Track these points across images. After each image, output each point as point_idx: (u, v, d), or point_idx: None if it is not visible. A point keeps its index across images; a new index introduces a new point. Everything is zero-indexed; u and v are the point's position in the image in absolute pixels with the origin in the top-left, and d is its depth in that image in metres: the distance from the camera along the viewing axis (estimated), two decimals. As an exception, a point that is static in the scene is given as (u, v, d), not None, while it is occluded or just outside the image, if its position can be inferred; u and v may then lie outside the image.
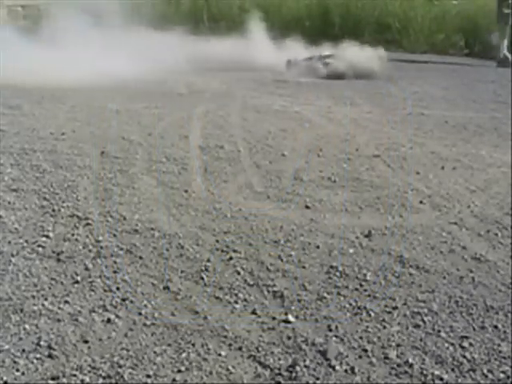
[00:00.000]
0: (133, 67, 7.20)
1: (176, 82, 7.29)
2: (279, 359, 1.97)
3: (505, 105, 6.08)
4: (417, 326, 2.17)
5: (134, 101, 6.23)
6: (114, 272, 2.56)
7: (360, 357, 1.99)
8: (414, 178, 3.81)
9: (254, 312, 2.26)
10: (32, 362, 1.95)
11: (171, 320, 2.20)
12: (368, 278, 2.52)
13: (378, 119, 5.46)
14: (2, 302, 2.31)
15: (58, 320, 2.19)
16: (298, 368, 1.92)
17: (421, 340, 2.08)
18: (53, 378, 1.88)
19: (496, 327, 2.16)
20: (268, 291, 2.41)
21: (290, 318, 2.21)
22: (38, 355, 1.99)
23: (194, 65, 8.08)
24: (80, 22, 7.74)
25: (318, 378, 1.88)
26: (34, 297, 2.35)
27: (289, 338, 2.10)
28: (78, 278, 2.50)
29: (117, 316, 2.22)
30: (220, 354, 2.00)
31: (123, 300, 2.33)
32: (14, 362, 1.95)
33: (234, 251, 2.77)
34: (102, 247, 2.80)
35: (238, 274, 2.55)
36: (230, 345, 2.05)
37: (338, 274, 2.56)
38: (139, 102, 6.19)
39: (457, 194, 3.52)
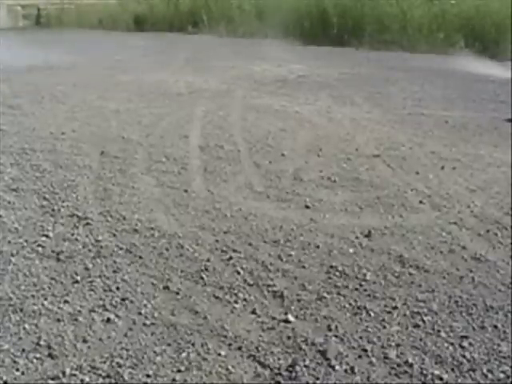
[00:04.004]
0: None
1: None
2: (279, 359, 1.97)
3: (505, 105, 6.08)
4: (417, 326, 2.16)
5: (134, 101, 6.23)
6: (114, 272, 2.56)
7: (360, 357, 1.99)
8: (413, 178, 3.81)
9: (253, 312, 2.26)
10: (32, 362, 1.95)
11: (171, 320, 2.20)
12: (368, 278, 2.52)
13: (378, 119, 5.46)
14: (1, 301, 2.31)
15: (58, 320, 2.19)
16: (297, 368, 1.92)
17: (421, 340, 2.08)
18: (53, 378, 1.88)
19: (496, 327, 2.16)
20: (268, 291, 2.41)
21: (290, 317, 2.21)
22: (38, 355, 1.99)
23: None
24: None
25: (317, 378, 1.88)
26: (33, 296, 2.35)
27: (289, 337, 2.09)
28: (78, 278, 2.50)
29: (117, 316, 2.22)
30: (220, 354, 2.00)
31: (123, 300, 2.33)
32: (14, 362, 1.95)
33: (234, 251, 2.77)
34: (101, 247, 2.80)
35: (238, 273, 2.55)
36: (230, 345, 2.05)
37: (337, 274, 2.56)
38: (139, 101, 6.19)
39: (457, 194, 3.52)
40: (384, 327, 2.16)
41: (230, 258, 2.70)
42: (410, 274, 2.56)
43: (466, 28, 10.39)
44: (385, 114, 5.66)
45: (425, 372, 1.90)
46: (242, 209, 3.29)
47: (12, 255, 2.71)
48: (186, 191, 3.56)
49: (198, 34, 13.27)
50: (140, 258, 2.69)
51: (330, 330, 2.14)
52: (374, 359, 1.97)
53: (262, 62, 8.96)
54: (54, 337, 2.08)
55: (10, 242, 2.85)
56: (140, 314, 2.24)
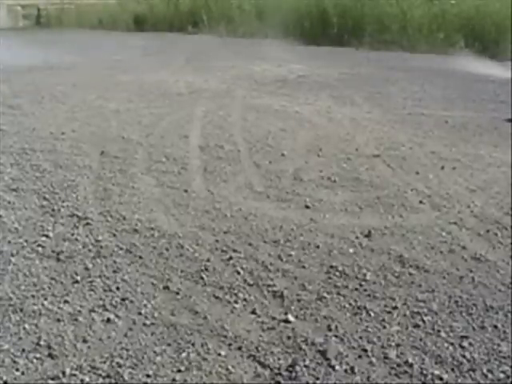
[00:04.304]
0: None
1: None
2: (279, 359, 1.97)
3: (505, 105, 6.08)
4: (417, 326, 2.16)
5: (134, 101, 6.23)
6: (114, 272, 2.56)
7: (360, 357, 1.99)
8: (413, 178, 3.81)
9: (254, 312, 2.26)
10: (32, 362, 1.95)
11: (171, 320, 2.20)
12: (368, 278, 2.52)
13: (378, 119, 5.46)
14: (1, 301, 2.31)
15: (58, 320, 2.19)
16: (297, 368, 1.92)
17: (421, 340, 2.08)
18: (53, 378, 1.88)
19: (496, 327, 2.16)
20: (268, 291, 2.41)
21: (290, 317, 2.21)
22: (38, 355, 1.99)
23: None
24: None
25: (317, 378, 1.88)
26: (33, 296, 2.35)
27: (289, 337, 2.09)
28: (78, 278, 2.50)
29: (116, 316, 2.22)
30: (220, 354, 2.00)
31: (123, 300, 2.33)
32: (14, 362, 1.95)
33: (234, 251, 2.77)
34: (101, 247, 2.80)
35: (238, 273, 2.55)
36: (230, 344, 2.05)
37: (337, 274, 2.56)
38: (139, 101, 6.19)
39: (457, 194, 3.52)
40: (384, 327, 2.16)
41: (230, 258, 2.70)
42: (410, 273, 2.56)
43: (465, 28, 10.38)
44: (385, 114, 5.66)
45: (425, 372, 1.90)
46: (241, 209, 3.29)
47: (12, 255, 2.71)
48: (186, 191, 3.56)
49: (197, 34, 13.27)
50: (140, 258, 2.69)
51: (330, 330, 2.14)
52: (374, 359, 1.97)
53: (262, 62, 8.96)
54: (54, 337, 2.08)
55: (10, 242, 2.85)
56: (140, 313, 2.24)
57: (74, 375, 1.89)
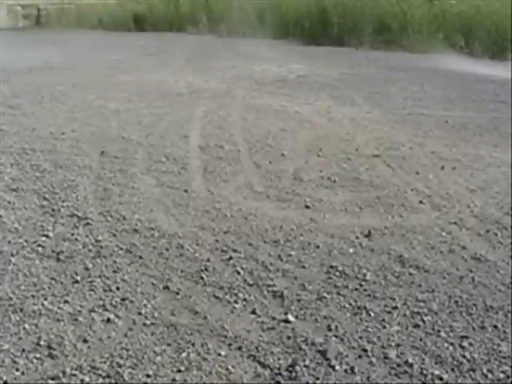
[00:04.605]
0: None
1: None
2: (279, 359, 1.97)
3: (505, 105, 6.08)
4: (417, 326, 2.16)
5: (134, 101, 6.23)
6: (114, 272, 2.56)
7: (360, 357, 1.99)
8: (413, 178, 3.81)
9: (253, 312, 2.26)
10: (32, 362, 1.95)
11: (171, 320, 2.20)
12: (368, 278, 2.52)
13: (378, 119, 5.46)
14: (1, 301, 2.31)
15: (58, 320, 2.19)
16: (297, 368, 1.92)
17: (421, 340, 2.08)
18: (53, 378, 1.88)
19: (496, 327, 2.16)
20: (268, 291, 2.41)
21: (290, 317, 2.21)
22: (38, 355, 1.99)
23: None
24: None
25: (317, 378, 1.88)
26: (33, 296, 2.35)
27: (289, 337, 2.09)
28: (78, 278, 2.50)
29: (117, 316, 2.22)
30: (220, 354, 2.00)
31: (123, 300, 2.33)
32: (14, 362, 1.95)
33: (234, 251, 2.77)
34: (101, 247, 2.80)
35: (238, 273, 2.55)
36: (230, 344, 2.05)
37: (337, 274, 2.56)
38: (139, 101, 6.19)
39: (457, 194, 3.52)
40: (384, 327, 2.16)
41: (230, 258, 2.70)
42: (410, 273, 2.56)
43: (466, 28, 10.39)
44: (385, 114, 5.66)
45: (425, 372, 1.90)
46: (242, 209, 3.29)
47: (12, 255, 2.71)
48: (186, 191, 3.56)
49: (198, 34, 13.27)
50: (140, 258, 2.69)
51: (330, 330, 2.14)
52: (374, 359, 1.97)
53: (262, 62, 8.95)
54: (54, 337, 2.08)
55: (10, 242, 2.85)
56: (140, 313, 2.24)
57: (74, 375, 1.89)
